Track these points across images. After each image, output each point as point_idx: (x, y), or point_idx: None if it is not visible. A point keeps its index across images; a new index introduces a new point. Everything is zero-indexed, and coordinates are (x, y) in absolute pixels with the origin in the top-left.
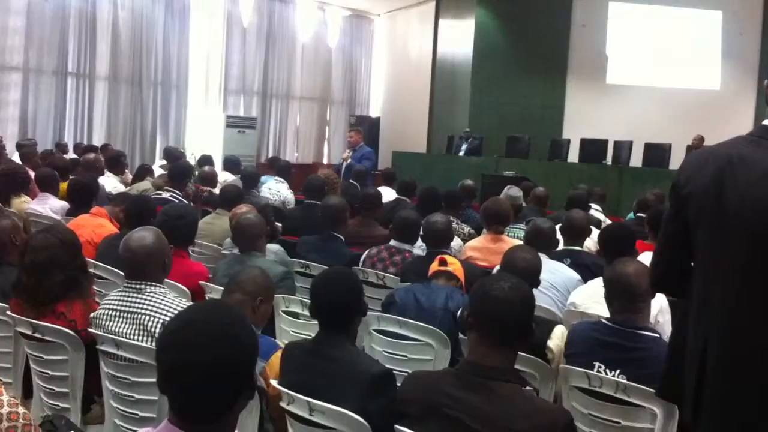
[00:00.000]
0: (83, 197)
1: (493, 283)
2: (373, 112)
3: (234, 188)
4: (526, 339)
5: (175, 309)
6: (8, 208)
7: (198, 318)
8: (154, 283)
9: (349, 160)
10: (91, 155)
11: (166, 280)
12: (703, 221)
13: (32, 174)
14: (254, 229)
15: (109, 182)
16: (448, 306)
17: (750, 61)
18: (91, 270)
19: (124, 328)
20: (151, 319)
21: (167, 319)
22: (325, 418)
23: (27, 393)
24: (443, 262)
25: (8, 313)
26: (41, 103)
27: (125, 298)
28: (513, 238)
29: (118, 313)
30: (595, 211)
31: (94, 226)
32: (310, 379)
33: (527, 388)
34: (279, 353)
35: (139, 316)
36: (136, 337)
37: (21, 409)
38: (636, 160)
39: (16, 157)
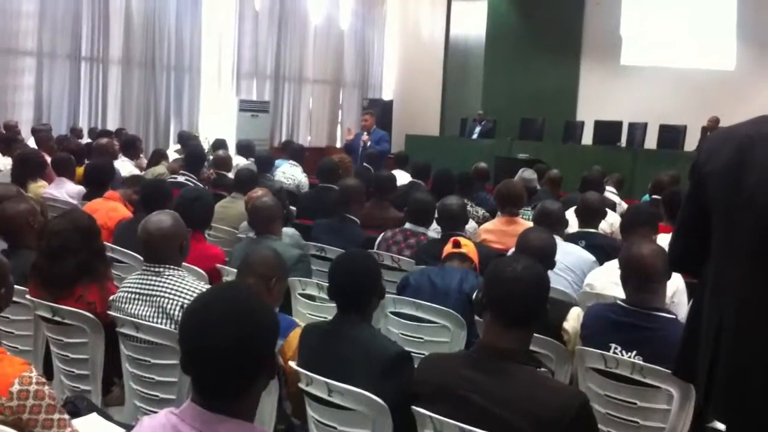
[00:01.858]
0: (99, 181)
1: (506, 265)
2: (386, 95)
3: (248, 172)
4: (539, 320)
5: (193, 291)
6: (25, 193)
7: (220, 298)
8: (172, 266)
9: (369, 143)
10: (104, 140)
11: (183, 263)
12: (720, 201)
13: (48, 158)
14: (270, 211)
15: (124, 167)
16: (463, 288)
17: (766, 40)
18: (109, 254)
19: (143, 310)
20: (170, 301)
21: (186, 301)
22: (343, 398)
23: (47, 376)
24: (457, 244)
25: (27, 296)
26: (55, 87)
27: (144, 281)
28: (527, 220)
29: (137, 296)
30: (611, 193)
31: (108, 209)
32: (327, 360)
33: (542, 369)
34: (297, 331)
35: (158, 298)
36: (155, 320)
37: (47, 389)
38: (651, 141)
39: (31, 142)
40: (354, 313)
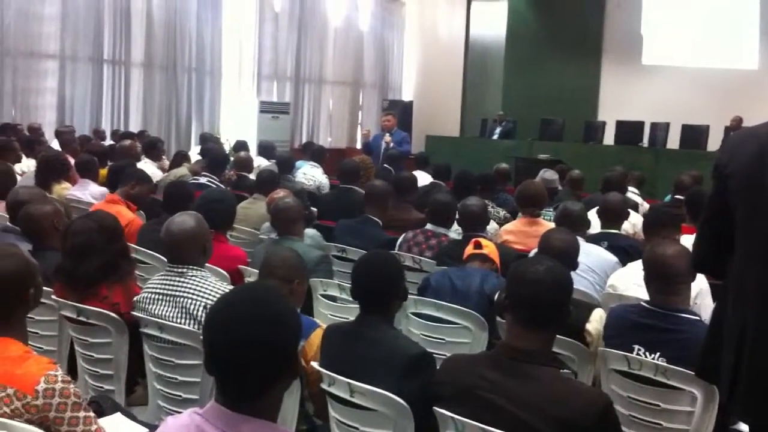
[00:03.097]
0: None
1: (528, 266)
2: (406, 96)
3: (270, 173)
4: (562, 321)
5: (216, 292)
6: (49, 195)
7: (243, 298)
8: (195, 267)
9: (392, 144)
10: (127, 142)
11: (205, 264)
12: (742, 201)
13: (72, 160)
14: (292, 212)
15: (147, 168)
16: (484, 289)
17: None
18: (133, 255)
19: (166, 311)
20: (193, 302)
21: (209, 302)
22: (365, 399)
23: (72, 376)
24: (478, 245)
25: (53, 297)
26: (78, 90)
27: (168, 282)
28: (549, 221)
29: (160, 297)
30: (632, 194)
31: (114, 214)
32: (349, 360)
33: (564, 370)
34: (318, 331)
35: (182, 299)
36: (178, 320)
37: (72, 387)
38: (673, 142)
39: (55, 144)
40: (376, 313)
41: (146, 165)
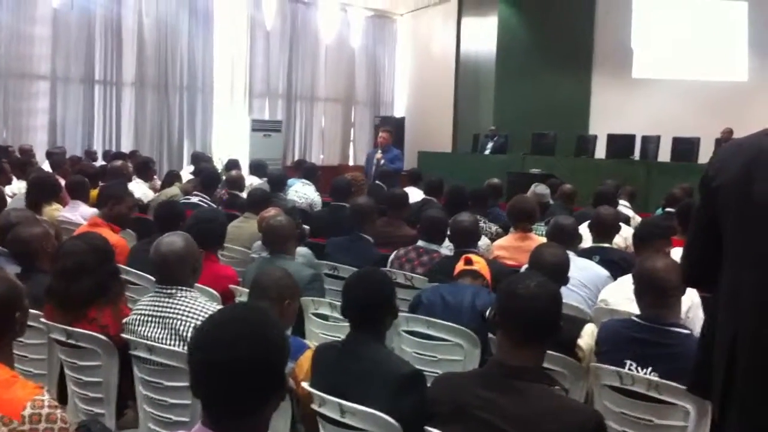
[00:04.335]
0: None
1: (518, 282)
2: (398, 112)
3: (261, 192)
4: (553, 337)
5: (206, 312)
6: (40, 216)
7: (229, 318)
8: (184, 288)
9: (382, 161)
10: (118, 162)
11: (195, 284)
12: (731, 214)
13: (62, 181)
14: (284, 230)
15: (138, 188)
16: (476, 305)
17: None
18: (123, 276)
19: (156, 332)
20: (183, 323)
21: (199, 322)
22: (356, 419)
23: (62, 399)
24: (468, 261)
25: (42, 320)
26: (69, 110)
27: (157, 303)
28: (541, 236)
29: (150, 318)
30: (624, 207)
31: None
32: (340, 380)
33: (556, 387)
34: (308, 353)
35: (171, 320)
36: (168, 342)
37: (59, 412)
38: (664, 154)
39: (46, 166)
40: (367, 332)
41: (138, 185)
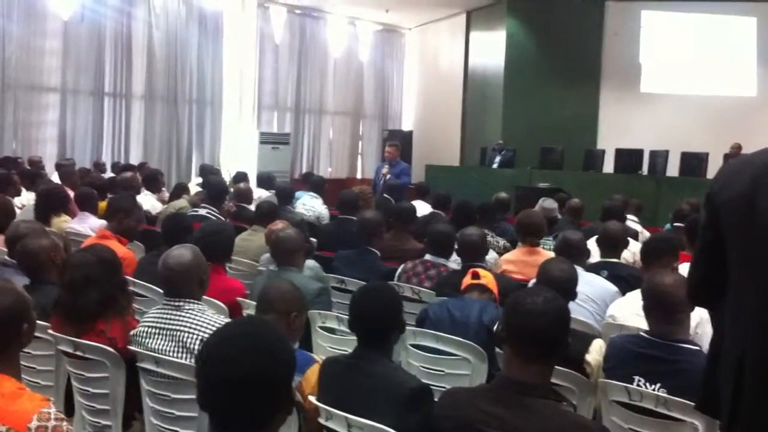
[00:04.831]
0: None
1: (526, 297)
2: (406, 126)
3: (269, 205)
4: (561, 353)
5: (213, 325)
6: (48, 228)
7: (237, 333)
8: (192, 300)
9: (389, 176)
10: (128, 174)
11: (203, 296)
12: (736, 230)
13: (71, 193)
14: (293, 243)
15: (147, 201)
16: (483, 319)
17: None
18: (131, 288)
19: (163, 345)
20: (190, 335)
21: (206, 335)
22: None
23: (69, 411)
24: (476, 275)
25: (49, 331)
26: (79, 123)
27: (164, 316)
28: (549, 250)
29: (157, 331)
30: (632, 222)
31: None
32: (347, 394)
33: (563, 403)
34: (315, 367)
35: (179, 333)
36: (175, 354)
37: (65, 425)
38: (672, 169)
39: (55, 177)
40: (374, 346)
41: (146, 197)
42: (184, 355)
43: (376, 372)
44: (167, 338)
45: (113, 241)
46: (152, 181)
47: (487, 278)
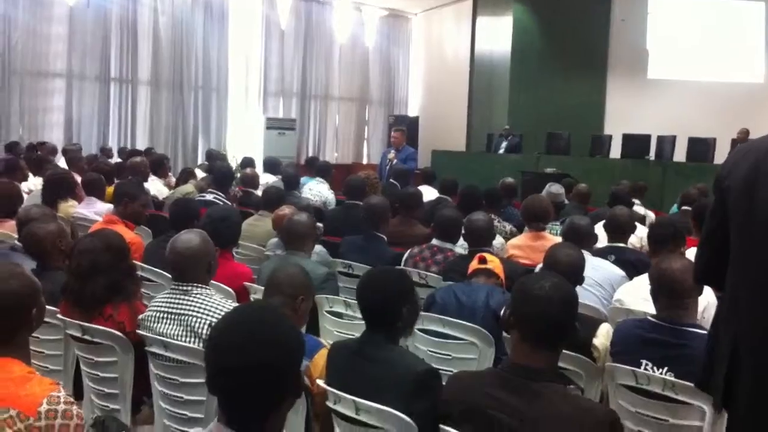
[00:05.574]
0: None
1: (533, 282)
2: (412, 112)
3: (276, 189)
4: (568, 339)
5: (221, 310)
6: (56, 213)
7: (245, 319)
8: (200, 285)
9: (395, 161)
10: (138, 158)
11: (210, 281)
12: (736, 215)
13: (78, 178)
14: (304, 229)
15: (154, 185)
16: (489, 304)
17: None
18: (139, 273)
19: (171, 329)
20: (198, 320)
21: (214, 319)
22: (371, 417)
23: (77, 395)
24: (482, 260)
25: (58, 316)
26: (85, 108)
27: (172, 300)
28: (556, 235)
29: (165, 315)
30: (639, 207)
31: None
32: (354, 379)
33: (571, 386)
34: (323, 352)
35: (187, 317)
36: (183, 339)
37: (75, 409)
38: (680, 155)
39: (62, 162)
40: (379, 331)
41: (153, 182)
42: (193, 340)
43: (381, 357)
44: (175, 323)
45: (120, 226)
46: (158, 166)
47: (493, 263)
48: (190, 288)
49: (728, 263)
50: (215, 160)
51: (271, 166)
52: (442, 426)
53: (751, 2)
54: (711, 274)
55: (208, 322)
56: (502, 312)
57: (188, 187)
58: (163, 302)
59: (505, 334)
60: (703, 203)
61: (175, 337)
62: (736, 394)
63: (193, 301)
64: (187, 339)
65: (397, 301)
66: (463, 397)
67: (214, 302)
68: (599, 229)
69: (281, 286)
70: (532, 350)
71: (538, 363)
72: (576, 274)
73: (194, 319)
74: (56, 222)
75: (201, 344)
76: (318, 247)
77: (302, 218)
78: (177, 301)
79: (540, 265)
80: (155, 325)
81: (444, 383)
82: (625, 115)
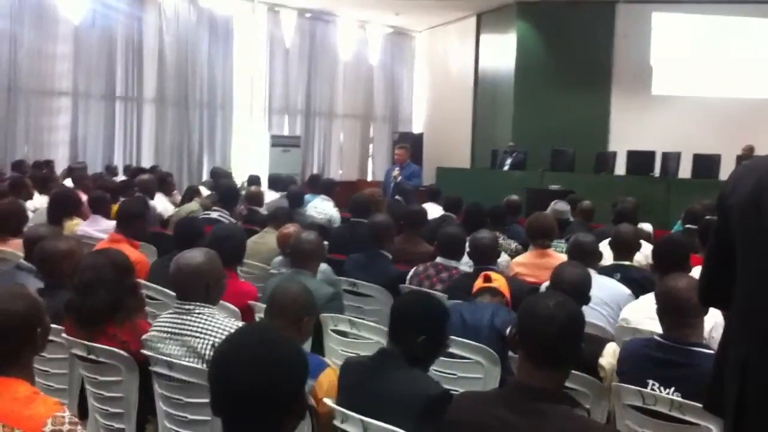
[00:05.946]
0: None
1: (539, 301)
2: (416, 129)
3: (283, 209)
4: (572, 358)
5: (224, 330)
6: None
7: (249, 340)
8: (202, 304)
9: (399, 178)
10: (146, 176)
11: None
12: (742, 233)
13: (83, 197)
14: (313, 247)
15: (160, 203)
16: (494, 323)
17: None
18: (144, 291)
19: (174, 350)
20: (201, 341)
21: (217, 340)
22: None
23: (82, 414)
24: (487, 279)
25: (63, 335)
26: (90, 126)
27: (175, 320)
28: (561, 253)
29: (168, 335)
30: (645, 225)
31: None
32: (365, 397)
33: (577, 408)
34: (327, 371)
35: (188, 338)
36: (187, 360)
37: (80, 429)
38: (685, 171)
39: (67, 181)
40: (397, 351)
41: (159, 200)
42: (195, 361)
43: (397, 377)
44: (177, 343)
45: (125, 245)
46: (162, 183)
47: (498, 281)
48: (192, 307)
49: (732, 283)
50: (220, 178)
51: (274, 182)
52: None
53: (756, 18)
54: (715, 294)
55: (210, 342)
56: (508, 330)
57: (193, 205)
58: (165, 322)
59: (511, 353)
60: (709, 220)
61: (178, 358)
62: (746, 415)
63: (195, 321)
64: (191, 360)
65: (422, 323)
66: (468, 417)
67: (216, 322)
68: (604, 246)
69: (285, 311)
70: (536, 370)
71: (542, 383)
72: (582, 293)
73: (196, 340)
74: (68, 241)
75: (204, 365)
76: (323, 266)
77: (311, 237)
78: (179, 321)
79: (546, 283)
80: (158, 345)
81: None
82: (629, 131)
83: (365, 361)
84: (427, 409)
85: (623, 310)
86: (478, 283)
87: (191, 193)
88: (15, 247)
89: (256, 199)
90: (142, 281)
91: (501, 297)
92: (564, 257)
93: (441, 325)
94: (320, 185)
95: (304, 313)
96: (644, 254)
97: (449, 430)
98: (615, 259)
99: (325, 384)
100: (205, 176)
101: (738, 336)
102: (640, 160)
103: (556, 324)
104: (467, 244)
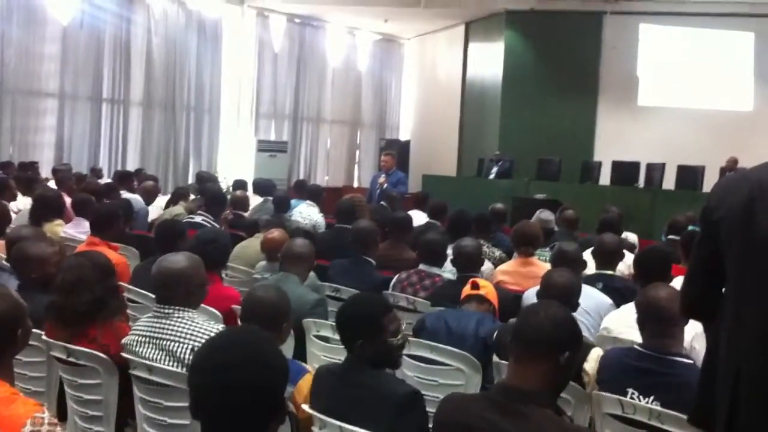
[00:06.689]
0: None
1: (532, 306)
2: (403, 136)
3: (278, 215)
4: (556, 357)
5: (203, 334)
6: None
7: (229, 343)
8: (181, 308)
9: (386, 185)
10: (150, 183)
11: (198, 304)
12: (733, 245)
13: (67, 199)
14: (304, 252)
15: (153, 209)
16: (479, 332)
17: None
18: (125, 294)
19: (153, 354)
20: (180, 345)
21: (197, 344)
22: None
23: (61, 416)
24: (475, 286)
25: (42, 338)
26: (76, 128)
27: (154, 324)
28: (545, 261)
29: (147, 339)
30: (629, 234)
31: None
32: (338, 404)
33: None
34: (308, 377)
35: (167, 342)
36: (166, 364)
37: (59, 430)
38: (669, 182)
39: (52, 183)
40: (359, 356)
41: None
42: (174, 365)
43: (366, 381)
44: (157, 347)
45: (103, 248)
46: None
47: (486, 289)
48: (171, 311)
49: (717, 296)
50: (205, 182)
51: (259, 187)
52: None
53: (741, 32)
54: (699, 306)
55: (190, 347)
56: (494, 335)
57: (178, 209)
58: (144, 326)
59: (498, 359)
60: (692, 231)
61: (157, 362)
62: (738, 423)
63: (174, 325)
64: (170, 364)
65: (351, 329)
66: (455, 418)
67: (196, 326)
68: (588, 256)
69: (262, 319)
70: (521, 370)
71: (527, 384)
72: (570, 296)
73: (175, 344)
74: (50, 243)
75: (184, 369)
76: None
77: (304, 242)
78: (158, 325)
79: (531, 290)
80: (138, 349)
81: (431, 409)
82: (615, 141)
83: (334, 369)
84: (401, 408)
85: (604, 320)
86: (466, 290)
87: (178, 197)
88: None
89: (242, 203)
90: (123, 284)
91: (488, 304)
92: (548, 266)
93: (373, 324)
94: (306, 191)
95: (283, 319)
96: (626, 264)
97: (436, 431)
98: (597, 268)
99: (305, 389)
100: (191, 179)
101: (731, 349)
102: (624, 171)
103: (535, 318)
104: (450, 251)
